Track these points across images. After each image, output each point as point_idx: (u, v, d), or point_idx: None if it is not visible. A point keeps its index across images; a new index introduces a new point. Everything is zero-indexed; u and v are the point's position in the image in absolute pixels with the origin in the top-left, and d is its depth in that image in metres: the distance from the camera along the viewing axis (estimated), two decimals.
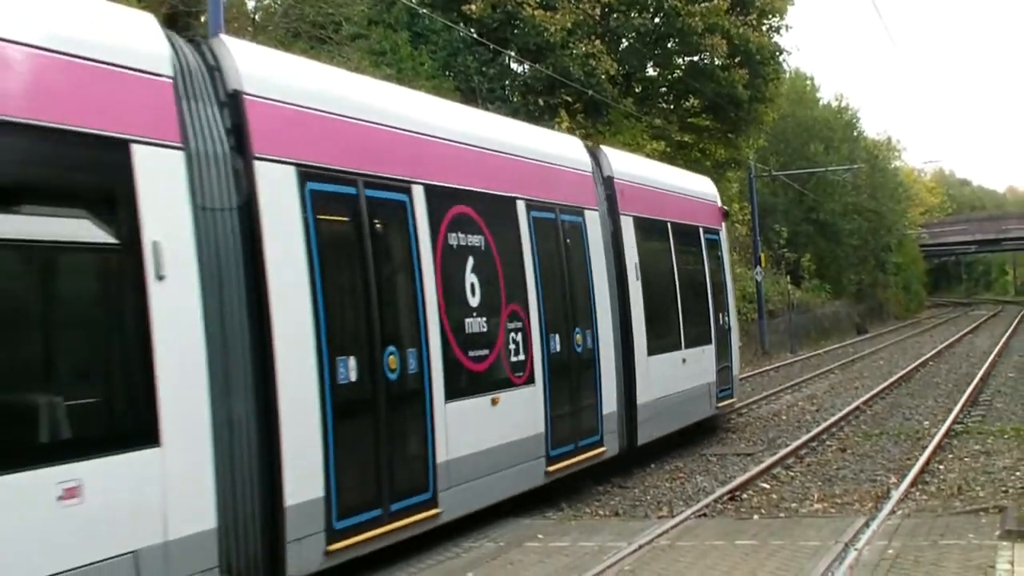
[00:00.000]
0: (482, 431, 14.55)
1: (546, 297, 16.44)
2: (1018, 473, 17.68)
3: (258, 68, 11.68)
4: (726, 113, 47.21)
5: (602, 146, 21.82)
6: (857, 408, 27.43)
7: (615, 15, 42.33)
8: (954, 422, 23.62)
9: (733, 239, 44.01)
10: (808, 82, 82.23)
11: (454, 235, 14.31)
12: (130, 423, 9.63)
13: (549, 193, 17.15)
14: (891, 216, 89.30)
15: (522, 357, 15.71)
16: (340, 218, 12.47)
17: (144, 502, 9.36)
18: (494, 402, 14.92)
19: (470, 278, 14.60)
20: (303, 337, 11.34)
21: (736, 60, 44.64)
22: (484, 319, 14.80)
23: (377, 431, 12.41)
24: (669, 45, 44.87)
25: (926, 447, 20.37)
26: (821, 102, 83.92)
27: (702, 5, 42.56)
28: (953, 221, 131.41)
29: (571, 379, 17.23)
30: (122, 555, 9.10)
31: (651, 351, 20.05)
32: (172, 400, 9.61)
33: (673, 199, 22.83)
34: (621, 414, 18.84)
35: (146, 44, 10.18)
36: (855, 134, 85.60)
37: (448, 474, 13.61)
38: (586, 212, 18.29)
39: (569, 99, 39.98)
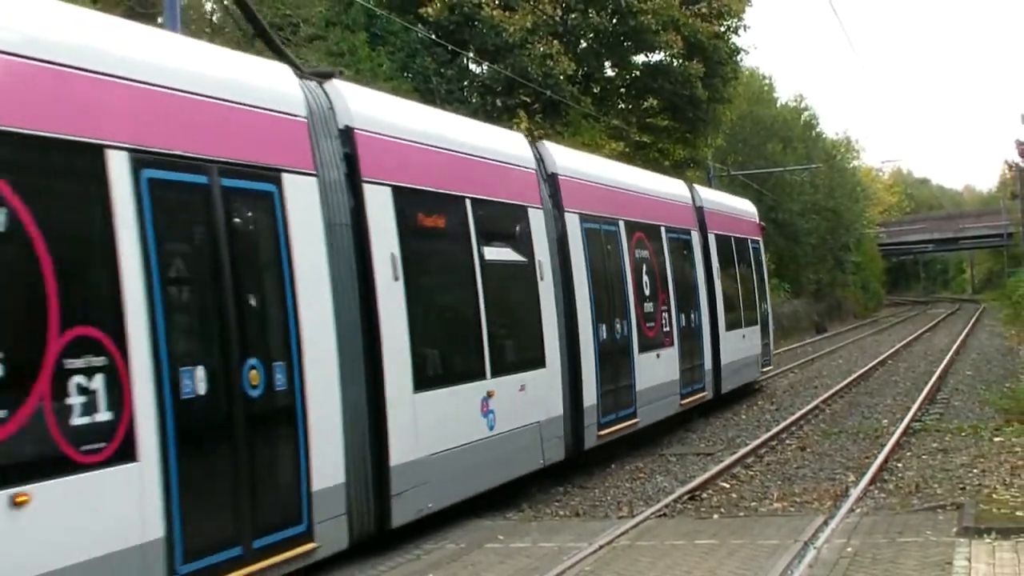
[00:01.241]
0: (653, 373, 22.48)
1: (676, 289, 24.51)
2: (975, 470, 17.77)
3: (562, 159, 20.08)
4: (684, 113, 47.29)
5: (695, 184, 30.29)
6: (816, 407, 27.58)
7: (573, 14, 42.32)
8: (912, 420, 23.77)
9: None
10: (766, 82, 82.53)
11: (637, 250, 22.43)
12: (536, 355, 17.69)
13: (674, 221, 25.46)
14: (849, 215, 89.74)
15: (668, 329, 23.81)
16: (593, 241, 20.25)
17: (541, 398, 17.62)
18: (657, 356, 22.84)
19: (644, 277, 22.68)
20: (586, 310, 19.49)
21: (694, 60, 44.66)
22: (651, 303, 22.92)
23: (611, 368, 20.39)
24: (626, 44, 44.87)
25: (885, 445, 20.48)
26: (779, 102, 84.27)
27: (654, 2, 42.51)
28: (911, 220, 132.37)
29: (689, 344, 25.14)
30: (534, 423, 17.39)
31: (727, 328, 28.40)
32: (548, 344, 17.93)
33: (735, 220, 31.79)
34: (712, 370, 26.99)
35: (526, 151, 18.86)
36: (813, 134, 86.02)
37: (641, 398, 21.65)
38: (692, 232, 26.83)
39: (527, 99, 39.98)
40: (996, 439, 20.95)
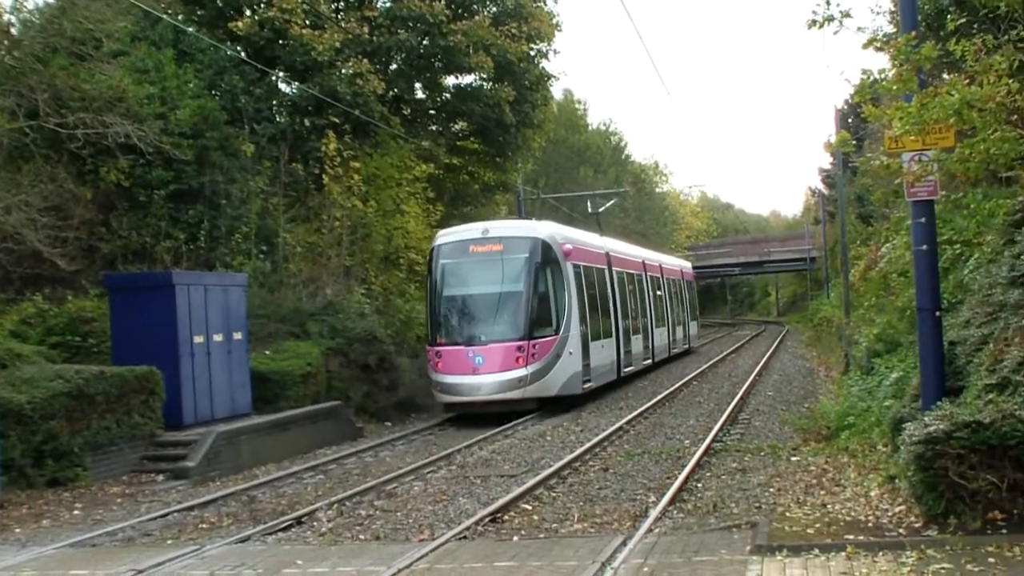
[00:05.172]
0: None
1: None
2: (771, 489, 18.09)
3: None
4: (494, 137, 47.45)
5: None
6: (620, 428, 27.78)
7: (380, 30, 42.09)
8: (713, 440, 24.11)
9: None
10: (579, 106, 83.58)
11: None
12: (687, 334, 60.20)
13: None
14: (657, 239, 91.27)
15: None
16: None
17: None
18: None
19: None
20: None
21: (504, 83, 44.86)
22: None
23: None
24: (436, 64, 44.81)
25: (685, 465, 20.73)
26: (591, 127, 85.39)
27: (464, 23, 42.59)
28: (718, 244, 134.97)
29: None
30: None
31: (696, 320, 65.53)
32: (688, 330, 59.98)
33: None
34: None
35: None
36: (623, 158, 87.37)
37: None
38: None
39: (337, 120, 39.70)
40: (793, 459, 21.36)
